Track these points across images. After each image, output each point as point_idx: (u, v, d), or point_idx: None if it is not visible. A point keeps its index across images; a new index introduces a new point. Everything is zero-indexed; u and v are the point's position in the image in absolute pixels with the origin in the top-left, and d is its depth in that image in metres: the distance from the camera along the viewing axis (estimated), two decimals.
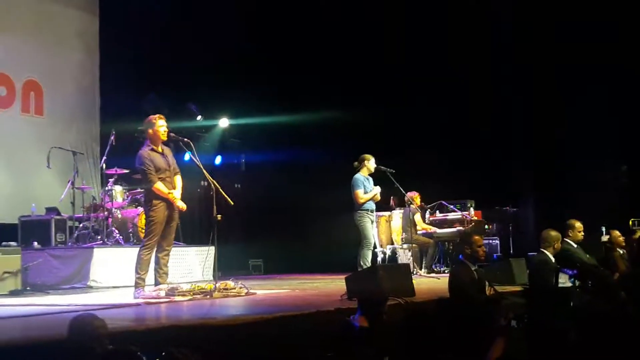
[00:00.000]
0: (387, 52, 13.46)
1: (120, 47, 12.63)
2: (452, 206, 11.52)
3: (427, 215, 11.50)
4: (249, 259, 13.79)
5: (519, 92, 13.18)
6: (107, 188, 10.49)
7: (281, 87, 13.96)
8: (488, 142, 13.24)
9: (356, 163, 9.60)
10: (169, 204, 7.55)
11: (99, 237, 10.06)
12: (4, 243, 9.06)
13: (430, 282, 9.46)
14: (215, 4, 13.18)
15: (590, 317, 4.45)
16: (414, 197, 11.11)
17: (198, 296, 7.47)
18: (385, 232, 11.28)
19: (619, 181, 12.93)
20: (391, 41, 13.39)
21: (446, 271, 10.57)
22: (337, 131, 13.76)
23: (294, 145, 14.24)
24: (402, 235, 11.15)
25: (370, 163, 9.57)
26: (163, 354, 3.56)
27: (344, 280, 7.03)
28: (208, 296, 7.48)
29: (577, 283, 7.09)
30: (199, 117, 14.15)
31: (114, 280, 9.35)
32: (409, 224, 10.96)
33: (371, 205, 9.40)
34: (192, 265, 10.63)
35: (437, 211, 11.66)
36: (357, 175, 9.46)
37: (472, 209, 11.54)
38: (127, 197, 10.62)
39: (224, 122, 14.84)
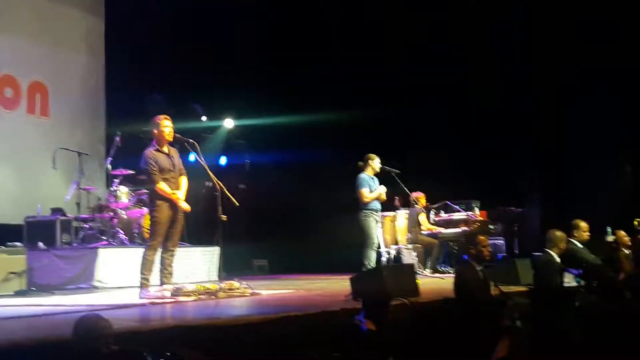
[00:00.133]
0: (393, 52, 13.44)
1: (125, 48, 12.66)
2: (457, 206, 11.51)
3: (432, 215, 11.49)
4: (254, 259, 13.79)
5: (525, 92, 13.15)
6: (112, 189, 10.49)
7: (286, 87, 13.95)
8: (493, 143, 13.21)
9: (361, 163, 9.58)
10: (173, 205, 7.53)
11: (104, 238, 10.07)
12: (9, 243, 9.09)
13: (435, 282, 9.43)
14: (220, 5, 13.19)
15: (596, 317, 4.44)
16: (419, 197, 11.11)
17: (203, 296, 7.46)
18: (390, 232, 11.27)
19: (624, 181, 12.91)
20: (396, 41, 13.38)
21: (451, 271, 10.56)
22: (343, 132, 13.75)
23: (299, 146, 14.20)
24: (407, 235, 11.15)
25: (375, 163, 9.54)
26: (168, 354, 3.57)
27: (348, 281, 7.02)
28: (213, 296, 7.48)
29: (582, 283, 7.07)
30: (203, 118, 14.16)
31: (119, 281, 9.33)
32: (414, 225, 10.95)
33: (377, 205, 9.38)
34: (197, 266, 10.63)
35: (442, 211, 11.66)
36: (362, 174, 9.44)
37: (477, 209, 11.52)
38: (133, 197, 10.61)
39: (228, 123, 14.87)
